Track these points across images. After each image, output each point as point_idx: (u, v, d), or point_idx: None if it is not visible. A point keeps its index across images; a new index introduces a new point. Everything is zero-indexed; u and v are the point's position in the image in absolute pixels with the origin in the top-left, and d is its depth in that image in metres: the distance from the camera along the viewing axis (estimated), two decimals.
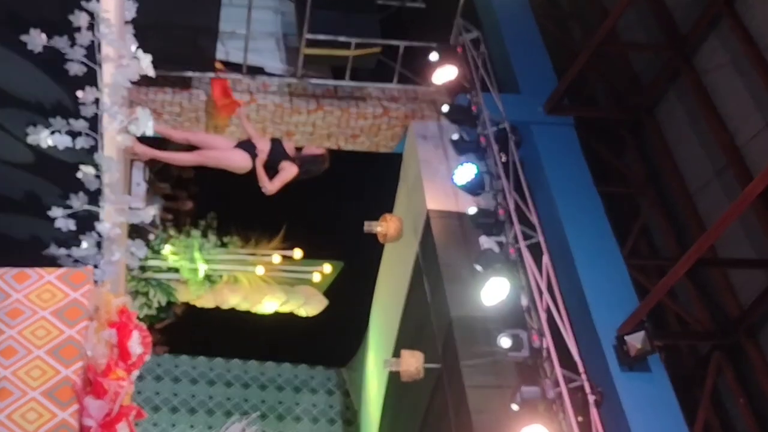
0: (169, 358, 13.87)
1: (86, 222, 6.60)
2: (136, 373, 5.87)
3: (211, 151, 9.21)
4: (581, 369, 7.64)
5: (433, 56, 10.02)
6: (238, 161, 9.09)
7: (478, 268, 8.64)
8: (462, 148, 9.77)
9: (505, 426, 7.70)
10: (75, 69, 5.99)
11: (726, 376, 9.07)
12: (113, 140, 6.49)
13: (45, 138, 6.19)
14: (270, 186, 9.02)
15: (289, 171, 9.09)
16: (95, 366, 5.26)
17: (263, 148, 9.11)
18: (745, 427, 8.90)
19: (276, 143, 9.23)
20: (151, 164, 10.10)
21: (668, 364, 8.74)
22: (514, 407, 7.63)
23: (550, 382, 7.70)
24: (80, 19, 5.81)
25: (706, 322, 9.36)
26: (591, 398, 7.51)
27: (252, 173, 9.05)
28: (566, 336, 7.85)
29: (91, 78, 6.10)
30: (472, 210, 9.01)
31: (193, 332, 13.15)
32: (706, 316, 9.40)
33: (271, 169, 9.09)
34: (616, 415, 8.18)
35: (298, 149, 9.40)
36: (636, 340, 8.37)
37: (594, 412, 7.39)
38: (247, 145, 9.15)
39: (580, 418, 7.40)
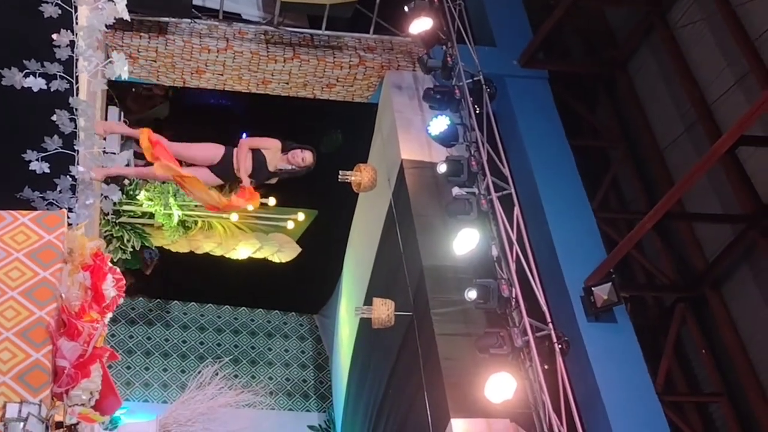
0: (143, 303, 13.95)
1: (61, 165, 6.63)
2: (109, 315, 5.94)
3: (185, 168, 8.44)
4: (548, 318, 7.75)
5: (408, 6, 10.01)
6: (209, 182, 8.34)
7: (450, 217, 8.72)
8: (436, 99, 9.78)
9: (473, 373, 7.83)
10: (50, 11, 5.98)
11: (689, 328, 9.27)
12: (88, 84, 6.49)
13: (19, 80, 6.19)
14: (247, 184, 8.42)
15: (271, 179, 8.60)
16: (69, 308, 5.30)
17: (245, 170, 8.32)
18: (706, 376, 9.13)
19: (258, 160, 8.36)
20: (126, 110, 10.06)
21: (633, 315, 8.91)
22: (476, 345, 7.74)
23: (518, 331, 7.80)
24: None
25: (671, 274, 9.54)
26: (557, 347, 7.62)
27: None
28: (535, 286, 7.96)
29: (66, 20, 6.09)
30: (442, 168, 9.04)
31: (167, 276, 13.22)
32: (672, 269, 9.57)
33: (257, 183, 8.55)
34: (582, 363, 8.35)
35: (284, 147, 8.49)
36: (603, 291, 8.52)
37: (560, 361, 7.49)
38: (225, 171, 8.33)
39: (546, 366, 7.52)
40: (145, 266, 12.24)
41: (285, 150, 8.46)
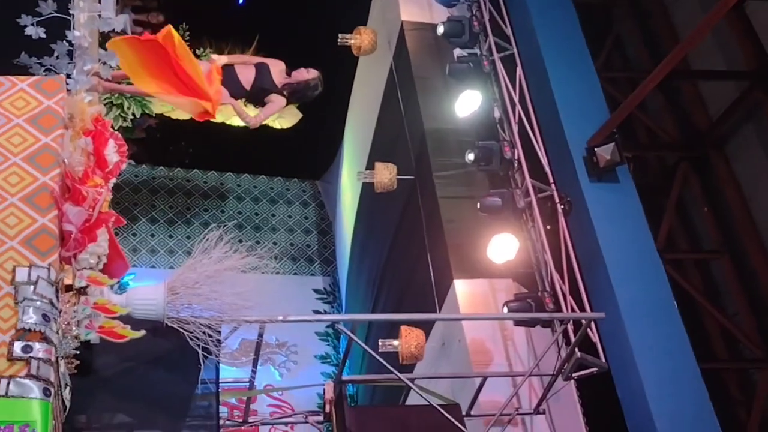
0: (147, 170, 13.95)
1: (57, 30, 6.52)
2: (113, 180, 5.93)
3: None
4: (551, 179, 7.79)
5: None
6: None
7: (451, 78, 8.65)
8: None
9: (476, 234, 7.92)
10: None
11: (692, 187, 9.31)
12: None
13: None
14: (253, 120, 8.40)
15: (276, 104, 8.39)
16: (72, 173, 5.29)
17: (247, 80, 8.23)
18: (707, 233, 9.21)
19: (262, 70, 8.29)
20: None
21: (636, 175, 8.92)
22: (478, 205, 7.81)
23: (520, 192, 7.86)
24: None
25: (674, 134, 9.52)
26: (559, 207, 7.69)
27: None
28: (537, 147, 7.97)
29: None
30: (440, 29, 8.90)
31: (169, 144, 13.19)
32: (675, 128, 9.55)
33: (257, 101, 8.47)
34: (584, 223, 8.40)
35: (288, 72, 8.49)
36: (605, 152, 8.49)
37: (562, 221, 7.58)
38: (229, 78, 8.15)
39: (548, 227, 7.60)
40: (139, 131, 12.20)
41: (289, 72, 8.39)
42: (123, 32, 8.01)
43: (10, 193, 5.07)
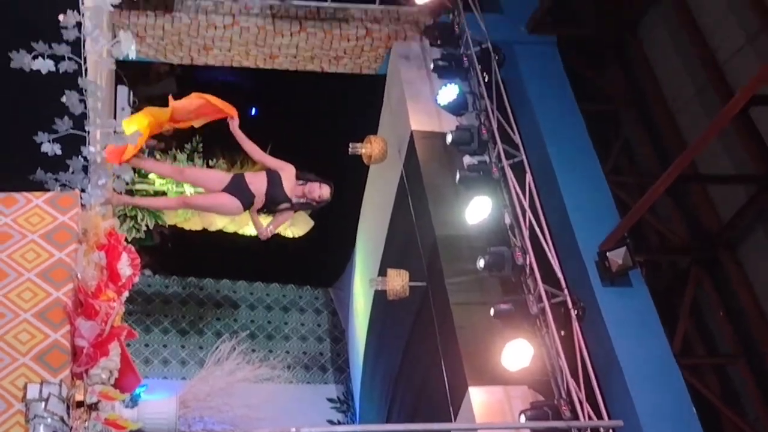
0: (159, 280, 13.99)
1: (72, 146, 6.64)
2: (126, 294, 5.98)
3: (198, 198, 8.67)
4: (564, 285, 7.76)
5: None
6: (228, 207, 8.19)
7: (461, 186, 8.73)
8: (444, 68, 9.76)
9: (489, 341, 7.86)
10: None
11: (705, 290, 9.26)
12: (96, 64, 6.49)
13: (28, 62, 6.19)
14: (264, 232, 8.29)
15: (286, 215, 8.38)
16: (85, 288, 5.34)
17: (259, 189, 8.07)
18: (723, 337, 9.12)
19: (274, 180, 8.12)
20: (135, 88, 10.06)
21: (649, 279, 8.92)
22: (491, 312, 7.78)
23: (533, 298, 7.82)
24: None
25: (685, 237, 9.51)
26: (573, 313, 7.63)
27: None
28: (549, 253, 7.96)
29: (72, 1, 6.08)
30: (449, 138, 9.03)
31: (182, 254, 13.25)
32: (686, 231, 9.55)
33: (270, 210, 8.38)
34: (598, 329, 8.37)
35: (299, 175, 8.27)
36: (617, 256, 8.51)
37: (576, 327, 7.51)
38: (239, 187, 8.09)
39: (562, 333, 7.54)
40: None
41: (301, 178, 8.24)
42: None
43: (23, 308, 5.11)
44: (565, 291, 7.70)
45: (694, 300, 9.25)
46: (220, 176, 8.33)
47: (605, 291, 8.61)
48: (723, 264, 9.09)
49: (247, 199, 8.12)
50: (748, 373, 8.77)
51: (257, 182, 8.14)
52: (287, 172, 8.21)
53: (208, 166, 12.10)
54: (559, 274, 7.83)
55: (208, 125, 12.17)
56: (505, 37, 10.25)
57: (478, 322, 8.24)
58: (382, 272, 9.60)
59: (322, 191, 8.22)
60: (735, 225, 9.01)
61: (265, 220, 8.67)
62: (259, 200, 8.12)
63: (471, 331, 8.20)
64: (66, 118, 6.51)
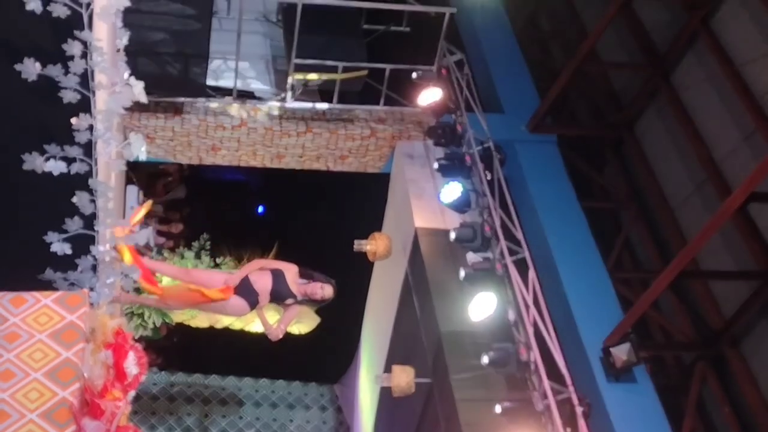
0: (165, 377, 13.97)
1: (82, 245, 6.74)
2: (132, 393, 6.00)
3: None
4: (568, 381, 7.74)
5: (415, 75, 10.24)
6: (236, 309, 8.44)
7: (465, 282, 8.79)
8: (447, 167, 9.92)
9: None
10: (69, 96, 6.13)
11: (710, 386, 9.22)
12: (107, 165, 6.64)
13: (40, 164, 6.34)
14: (275, 332, 8.53)
15: (292, 311, 8.59)
16: (92, 387, 5.37)
17: (264, 288, 8.36)
18: None
19: (278, 279, 8.41)
20: (144, 188, 10.22)
21: (654, 375, 8.90)
22: (497, 409, 7.76)
23: (538, 395, 7.81)
24: (73, 47, 5.96)
25: (689, 333, 9.52)
26: (579, 410, 7.60)
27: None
28: (553, 349, 7.97)
29: (85, 105, 6.25)
30: (453, 235, 9.13)
31: (188, 351, 13.26)
32: (690, 327, 9.56)
33: (276, 303, 8.67)
34: (604, 425, 8.33)
35: (302, 273, 8.56)
36: (621, 352, 8.53)
37: (582, 424, 7.48)
38: (245, 290, 8.35)
39: (569, 430, 7.51)
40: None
41: (304, 276, 8.49)
42: (146, 246, 8.29)
43: (29, 409, 5.14)
44: (570, 387, 7.70)
45: (699, 396, 9.21)
46: (224, 277, 8.49)
47: (610, 387, 8.60)
48: (727, 360, 9.09)
49: (252, 299, 8.33)
50: None
51: (261, 281, 8.39)
52: (290, 270, 8.46)
53: (215, 264, 12.23)
54: (564, 371, 7.83)
55: (216, 223, 12.41)
56: (507, 136, 10.46)
57: (483, 418, 8.22)
58: (388, 368, 9.60)
59: (324, 292, 8.46)
60: (738, 321, 9.03)
61: (272, 317, 8.77)
62: (264, 298, 8.37)
63: (477, 427, 8.18)
64: (76, 218, 6.63)
